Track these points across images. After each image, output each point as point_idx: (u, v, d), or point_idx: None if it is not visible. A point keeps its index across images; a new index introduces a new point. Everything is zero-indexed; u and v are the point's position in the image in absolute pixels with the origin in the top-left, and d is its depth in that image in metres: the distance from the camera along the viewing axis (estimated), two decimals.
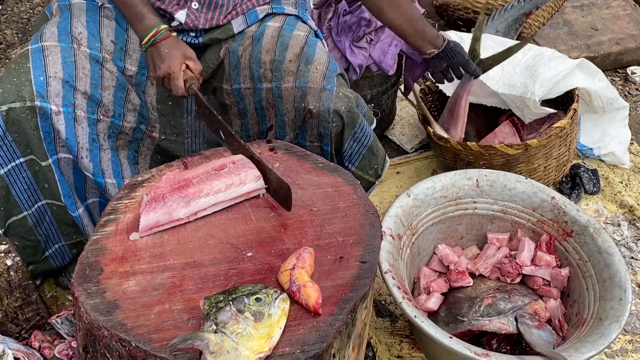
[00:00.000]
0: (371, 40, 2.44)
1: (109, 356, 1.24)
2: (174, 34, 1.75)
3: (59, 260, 2.00)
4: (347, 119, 1.78)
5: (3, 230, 1.81)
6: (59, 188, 1.84)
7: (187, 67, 1.72)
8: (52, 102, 1.71)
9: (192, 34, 1.84)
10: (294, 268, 1.29)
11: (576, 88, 2.34)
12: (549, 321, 1.88)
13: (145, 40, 1.71)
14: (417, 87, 2.99)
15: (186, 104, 1.91)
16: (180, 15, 1.79)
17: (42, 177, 1.80)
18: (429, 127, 2.40)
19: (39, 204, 1.85)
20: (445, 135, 2.36)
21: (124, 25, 1.82)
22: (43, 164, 1.78)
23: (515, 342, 1.87)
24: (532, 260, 2.00)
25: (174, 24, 1.81)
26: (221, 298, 1.20)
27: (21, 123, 1.69)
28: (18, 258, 1.75)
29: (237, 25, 1.87)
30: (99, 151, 1.84)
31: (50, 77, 1.70)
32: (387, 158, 2.00)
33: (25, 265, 1.91)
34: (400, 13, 2.03)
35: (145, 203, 1.43)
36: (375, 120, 1.96)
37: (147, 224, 1.41)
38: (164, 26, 1.72)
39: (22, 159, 1.75)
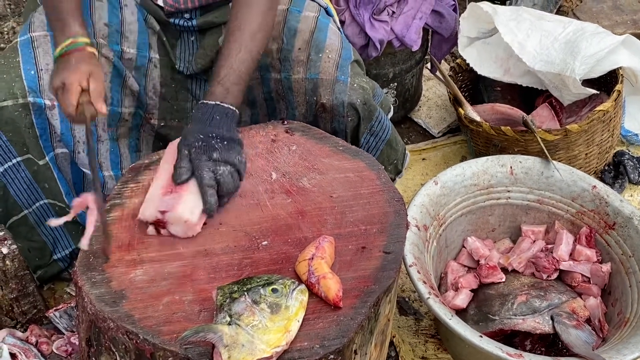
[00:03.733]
0: (393, 12, 2.43)
1: (114, 350, 1.27)
2: (93, 50, 1.62)
3: (68, 262, 2.06)
4: (363, 113, 1.79)
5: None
6: (60, 187, 1.89)
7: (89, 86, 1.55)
8: (46, 96, 1.73)
9: (187, 16, 1.82)
10: (312, 258, 1.31)
11: (620, 67, 2.34)
12: (588, 321, 1.90)
13: (58, 49, 1.59)
14: (446, 65, 3.00)
15: (191, 87, 1.93)
16: None
17: (42, 177, 1.85)
18: (460, 109, 2.41)
19: (40, 202, 1.90)
20: (478, 119, 2.37)
21: (117, 4, 1.81)
22: (41, 162, 1.82)
23: (550, 343, 1.89)
24: (571, 254, 2.01)
25: (159, 2, 1.79)
26: (235, 288, 1.22)
27: (15, 122, 1.72)
28: (14, 246, 1.79)
29: None
30: (96, 143, 1.87)
31: (42, 70, 1.72)
32: (407, 152, 2.02)
33: (32, 270, 1.95)
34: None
35: None
36: (392, 108, 1.98)
37: None
38: (83, 39, 1.60)
39: (18, 158, 1.79)
